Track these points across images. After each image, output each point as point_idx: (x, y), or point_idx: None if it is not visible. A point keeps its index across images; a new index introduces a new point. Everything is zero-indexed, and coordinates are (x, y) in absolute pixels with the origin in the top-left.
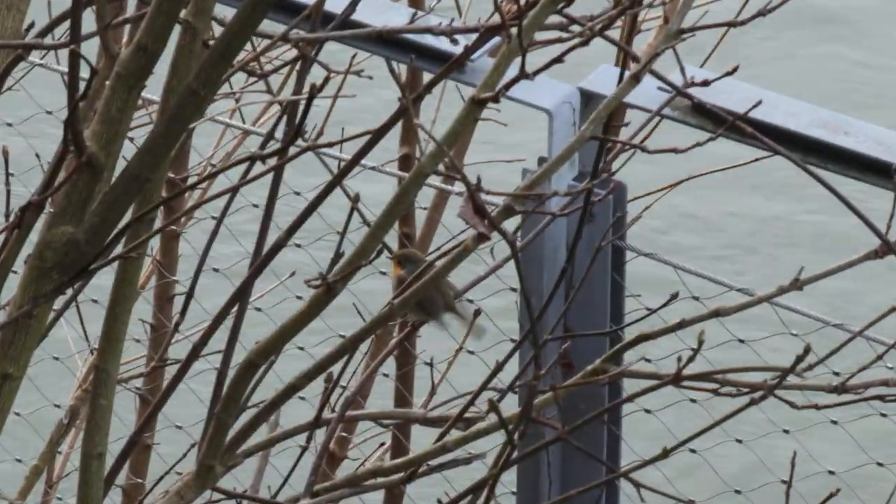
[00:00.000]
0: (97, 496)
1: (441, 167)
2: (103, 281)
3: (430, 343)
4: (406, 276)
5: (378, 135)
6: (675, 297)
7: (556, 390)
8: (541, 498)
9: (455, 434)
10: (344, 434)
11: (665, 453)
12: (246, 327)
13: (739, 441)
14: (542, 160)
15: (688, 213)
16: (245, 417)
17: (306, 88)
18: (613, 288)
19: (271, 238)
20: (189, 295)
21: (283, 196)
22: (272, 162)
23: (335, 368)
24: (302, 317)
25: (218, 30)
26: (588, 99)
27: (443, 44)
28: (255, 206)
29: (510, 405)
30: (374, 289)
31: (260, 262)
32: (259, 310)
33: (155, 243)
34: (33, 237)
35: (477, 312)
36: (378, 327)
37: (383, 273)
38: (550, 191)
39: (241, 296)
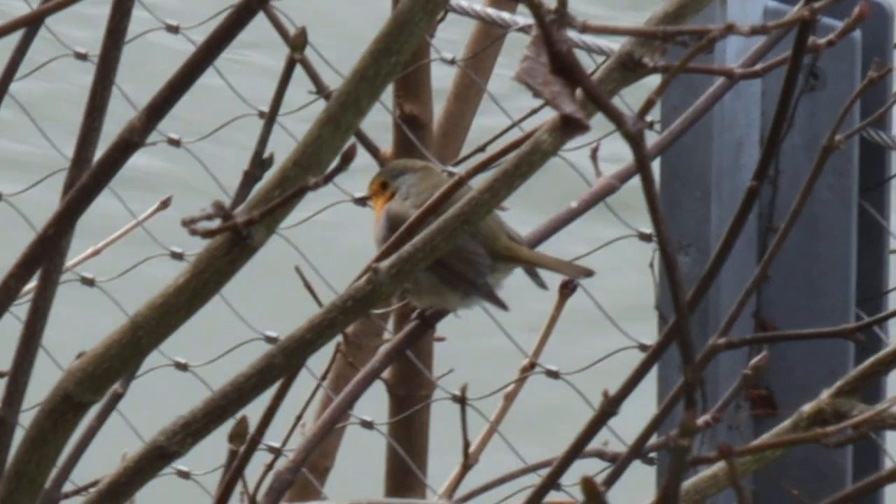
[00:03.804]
0: None
1: None
2: None
3: (461, 355)
4: (402, 212)
5: None
6: None
7: (735, 457)
8: None
9: None
10: None
11: None
12: (57, 325)
13: None
14: None
15: None
16: None
17: None
18: (864, 234)
19: (111, 130)
20: None
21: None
22: None
23: (252, 410)
24: (177, 297)
25: None
26: None
27: None
28: (82, 57)
29: (636, 486)
30: (337, 237)
31: (86, 179)
32: (92, 283)
33: None
34: None
35: (568, 288)
36: (346, 322)
37: (361, 203)
38: (722, 23)
39: (45, 256)
